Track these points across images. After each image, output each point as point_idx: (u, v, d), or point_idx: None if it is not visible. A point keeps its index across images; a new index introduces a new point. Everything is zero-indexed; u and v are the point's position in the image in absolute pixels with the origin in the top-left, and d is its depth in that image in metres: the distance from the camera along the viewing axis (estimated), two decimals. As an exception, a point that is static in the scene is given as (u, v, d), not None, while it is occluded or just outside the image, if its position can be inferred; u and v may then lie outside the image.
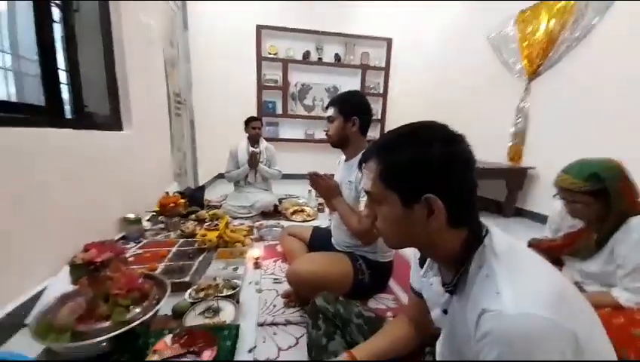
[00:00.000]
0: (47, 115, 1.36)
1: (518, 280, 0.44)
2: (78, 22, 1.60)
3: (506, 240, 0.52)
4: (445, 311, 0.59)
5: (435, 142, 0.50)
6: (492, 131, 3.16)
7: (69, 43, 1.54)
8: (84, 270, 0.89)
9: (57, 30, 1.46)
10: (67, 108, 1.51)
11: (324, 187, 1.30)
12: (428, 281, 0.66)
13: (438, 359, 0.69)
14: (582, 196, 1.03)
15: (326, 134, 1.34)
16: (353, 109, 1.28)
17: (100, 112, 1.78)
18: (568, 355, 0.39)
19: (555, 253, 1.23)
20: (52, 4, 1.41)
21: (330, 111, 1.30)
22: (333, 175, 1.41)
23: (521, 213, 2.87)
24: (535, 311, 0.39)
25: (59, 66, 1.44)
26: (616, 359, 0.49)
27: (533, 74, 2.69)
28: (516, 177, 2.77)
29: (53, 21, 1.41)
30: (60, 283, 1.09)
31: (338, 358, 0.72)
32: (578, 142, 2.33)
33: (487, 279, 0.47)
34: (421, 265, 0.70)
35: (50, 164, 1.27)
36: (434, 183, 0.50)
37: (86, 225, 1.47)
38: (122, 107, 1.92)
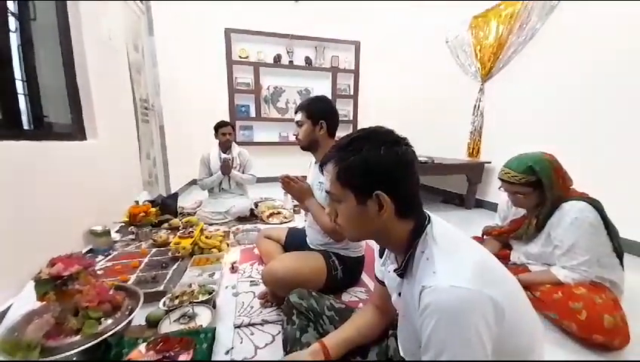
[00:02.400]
0: (3, 127, 1.30)
1: (449, 259, 0.53)
2: (35, 29, 1.54)
3: (443, 227, 0.60)
4: (400, 294, 0.66)
5: (382, 146, 0.58)
6: (453, 129, 3.39)
7: (26, 52, 1.48)
8: (51, 285, 0.87)
9: (13, 39, 1.40)
10: (25, 119, 1.45)
11: (297, 189, 1.35)
12: (386, 269, 0.73)
13: (399, 339, 0.77)
14: (520, 187, 1.17)
15: (296, 138, 1.39)
16: (320, 113, 1.33)
17: (62, 122, 1.71)
18: (490, 315, 0.48)
19: (503, 238, 1.38)
20: (9, 14, 1.35)
21: (299, 116, 1.35)
22: (305, 177, 1.46)
23: (481, 204, 3.10)
24: (460, 283, 0.48)
25: (16, 76, 1.38)
26: (536, 317, 0.59)
27: (486, 75, 2.93)
28: (475, 171, 2.98)
29: (9, 30, 1.35)
30: (25, 301, 1.06)
31: (310, 348, 0.77)
32: (526, 136, 2.56)
33: (428, 261, 0.55)
34: (381, 255, 0.77)
35: (7, 179, 1.22)
36: (382, 181, 0.58)
37: (50, 241, 1.42)
38: (85, 116, 1.85)
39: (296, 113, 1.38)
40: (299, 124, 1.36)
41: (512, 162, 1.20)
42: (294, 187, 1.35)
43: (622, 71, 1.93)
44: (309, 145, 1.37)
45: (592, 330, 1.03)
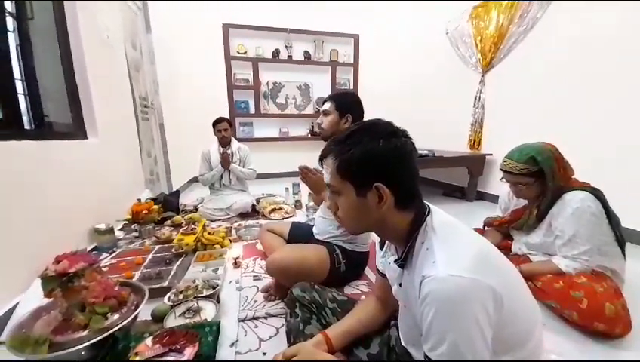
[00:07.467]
0: (4, 127, 1.31)
1: (448, 249, 0.54)
2: (33, 29, 1.54)
3: (443, 218, 0.61)
4: (400, 284, 0.67)
5: (381, 138, 0.58)
6: (454, 122, 3.37)
7: (25, 51, 1.48)
8: (57, 281, 0.88)
9: (12, 39, 1.40)
10: (26, 119, 1.46)
11: (314, 181, 1.37)
12: (387, 261, 0.74)
13: (400, 329, 0.78)
14: (522, 177, 1.17)
15: (318, 127, 1.39)
16: (348, 107, 1.35)
17: (62, 122, 1.72)
18: (489, 304, 0.48)
19: (504, 228, 1.38)
20: (6, 14, 1.36)
21: (327, 106, 1.36)
22: (322, 170, 1.47)
23: (483, 196, 3.09)
24: (459, 273, 0.48)
25: (15, 76, 1.38)
26: (535, 305, 0.59)
27: (487, 66, 2.90)
28: (476, 164, 2.97)
29: (7, 30, 1.36)
30: (33, 298, 1.07)
31: (313, 339, 0.78)
32: (527, 127, 2.54)
33: (428, 251, 0.55)
34: (381, 247, 0.78)
35: (10, 179, 1.23)
36: (381, 173, 0.58)
37: (55, 239, 1.43)
38: (85, 115, 1.86)
39: (324, 103, 1.39)
40: (325, 112, 1.36)
41: (513, 153, 1.20)
42: (312, 178, 1.37)
43: (625, 60, 1.90)
44: (331, 136, 1.36)
45: (593, 318, 1.03)
